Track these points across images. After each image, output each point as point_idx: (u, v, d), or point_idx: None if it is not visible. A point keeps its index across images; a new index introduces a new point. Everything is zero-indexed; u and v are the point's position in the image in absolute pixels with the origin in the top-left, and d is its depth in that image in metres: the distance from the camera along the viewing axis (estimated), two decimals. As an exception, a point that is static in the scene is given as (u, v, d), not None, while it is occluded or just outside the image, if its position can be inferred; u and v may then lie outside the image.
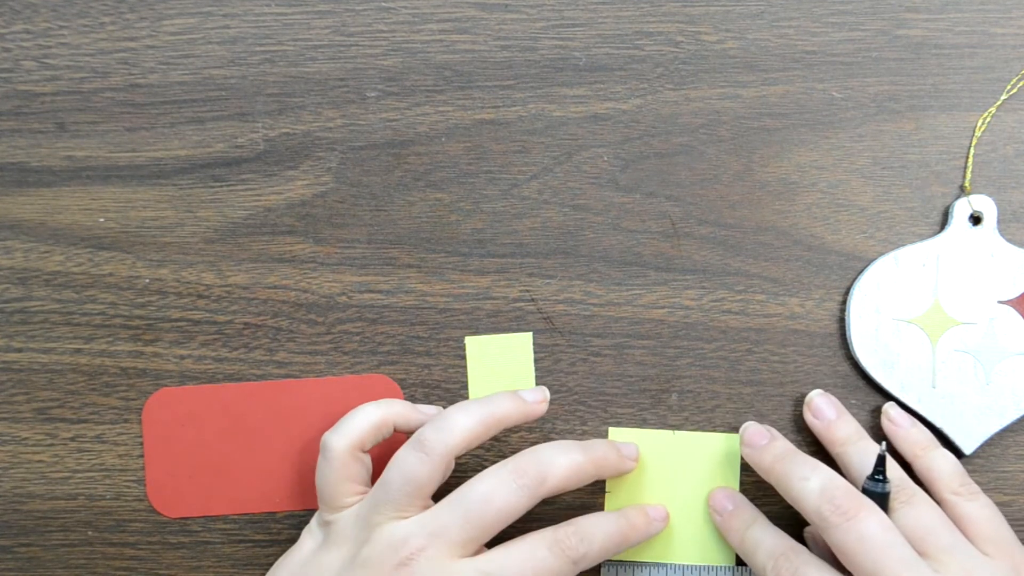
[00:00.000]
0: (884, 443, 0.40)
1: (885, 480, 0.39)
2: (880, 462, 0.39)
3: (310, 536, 0.42)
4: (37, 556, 0.46)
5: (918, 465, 0.42)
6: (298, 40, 0.45)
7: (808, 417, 0.43)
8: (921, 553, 0.38)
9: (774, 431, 0.43)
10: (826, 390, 0.44)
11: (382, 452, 0.42)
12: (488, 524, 0.38)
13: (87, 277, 0.46)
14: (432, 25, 0.45)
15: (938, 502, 0.41)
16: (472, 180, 0.45)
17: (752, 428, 0.43)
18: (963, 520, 0.40)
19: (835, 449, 0.42)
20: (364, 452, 0.41)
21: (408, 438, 0.41)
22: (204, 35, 0.46)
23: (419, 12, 0.45)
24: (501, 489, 0.38)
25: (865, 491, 0.39)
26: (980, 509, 0.41)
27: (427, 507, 0.39)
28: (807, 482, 0.39)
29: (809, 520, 0.39)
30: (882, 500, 0.39)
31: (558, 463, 0.39)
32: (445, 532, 0.38)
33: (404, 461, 0.39)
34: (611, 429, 0.45)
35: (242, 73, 0.46)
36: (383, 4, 0.45)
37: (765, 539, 0.40)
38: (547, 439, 0.45)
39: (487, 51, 0.45)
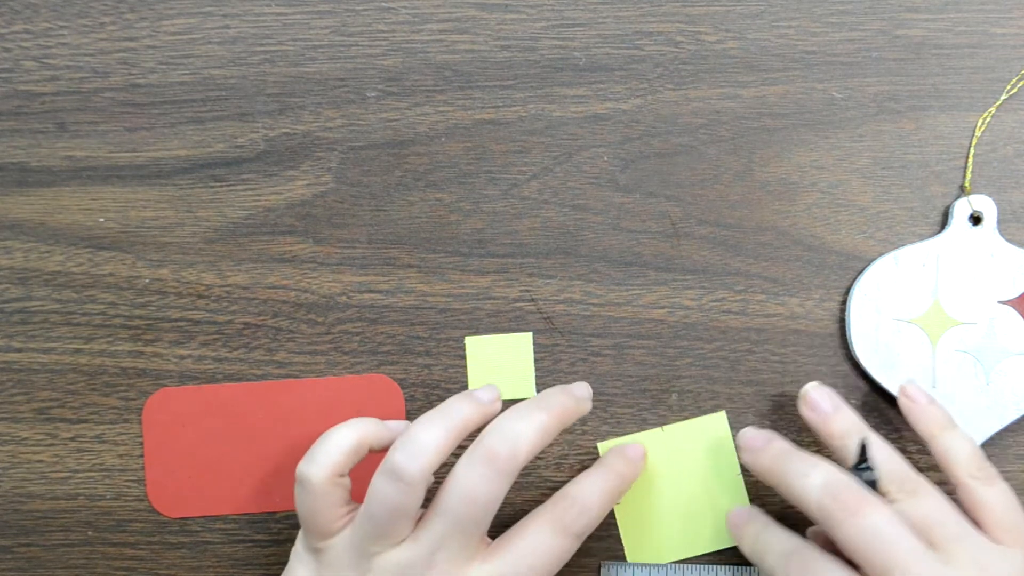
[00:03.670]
0: (864, 436, 0.40)
1: (869, 468, 0.39)
2: (862, 451, 0.39)
3: (300, 563, 0.41)
4: (37, 556, 0.46)
5: (934, 446, 0.41)
6: (298, 40, 0.45)
7: (804, 411, 0.42)
8: (930, 544, 0.37)
9: (772, 432, 0.42)
10: (826, 390, 0.44)
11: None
12: (479, 521, 0.38)
13: (87, 277, 0.46)
14: (432, 25, 0.45)
15: (955, 485, 0.40)
16: (472, 180, 0.45)
17: (749, 432, 0.42)
18: (978, 506, 0.39)
19: (833, 443, 0.41)
20: (342, 477, 0.40)
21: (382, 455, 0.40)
22: (204, 35, 0.46)
23: (419, 12, 0.45)
24: (480, 483, 0.38)
25: None
26: (997, 495, 0.39)
27: (418, 520, 0.39)
28: (808, 479, 0.38)
29: (812, 518, 0.38)
30: (870, 488, 0.38)
31: (524, 432, 0.38)
32: (445, 545, 0.38)
33: (384, 493, 0.38)
34: (600, 444, 0.45)
35: (242, 73, 0.46)
36: (383, 4, 0.45)
37: (774, 541, 0.40)
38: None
39: (487, 51, 0.45)
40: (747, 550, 0.41)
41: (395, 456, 0.38)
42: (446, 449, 0.39)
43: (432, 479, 0.39)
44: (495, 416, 0.40)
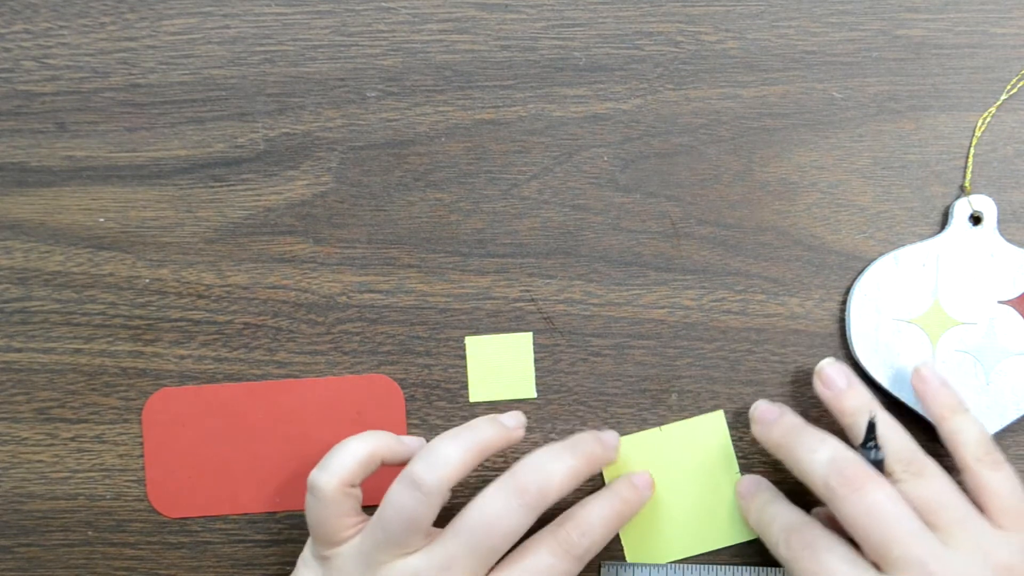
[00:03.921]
0: (873, 413, 0.40)
1: (876, 447, 0.39)
2: (870, 429, 0.39)
3: (307, 569, 0.41)
4: (37, 556, 0.46)
5: (944, 428, 0.41)
6: (298, 40, 0.45)
7: (818, 387, 0.43)
8: (931, 526, 0.37)
9: (784, 407, 0.43)
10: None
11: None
12: (495, 548, 0.38)
13: (87, 277, 0.46)
14: (432, 25, 0.45)
15: (961, 468, 0.40)
16: (472, 180, 0.45)
17: (762, 405, 0.43)
18: (983, 490, 0.39)
19: (845, 420, 0.41)
20: (354, 487, 0.40)
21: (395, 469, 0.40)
22: (204, 35, 0.46)
23: (419, 12, 0.45)
24: (505, 512, 0.38)
25: None
26: (1002, 480, 0.40)
27: (430, 536, 0.39)
28: (815, 454, 0.38)
29: (818, 493, 0.38)
30: (876, 468, 0.39)
31: (556, 473, 0.39)
32: (455, 565, 0.38)
33: (400, 502, 0.38)
34: None
35: (242, 73, 0.46)
36: (383, 4, 0.45)
37: (780, 514, 0.40)
38: (547, 440, 0.45)
39: (487, 51, 0.45)
40: (752, 520, 0.42)
41: (415, 466, 0.39)
42: (466, 466, 0.39)
43: (449, 495, 0.39)
44: (517, 442, 0.42)
